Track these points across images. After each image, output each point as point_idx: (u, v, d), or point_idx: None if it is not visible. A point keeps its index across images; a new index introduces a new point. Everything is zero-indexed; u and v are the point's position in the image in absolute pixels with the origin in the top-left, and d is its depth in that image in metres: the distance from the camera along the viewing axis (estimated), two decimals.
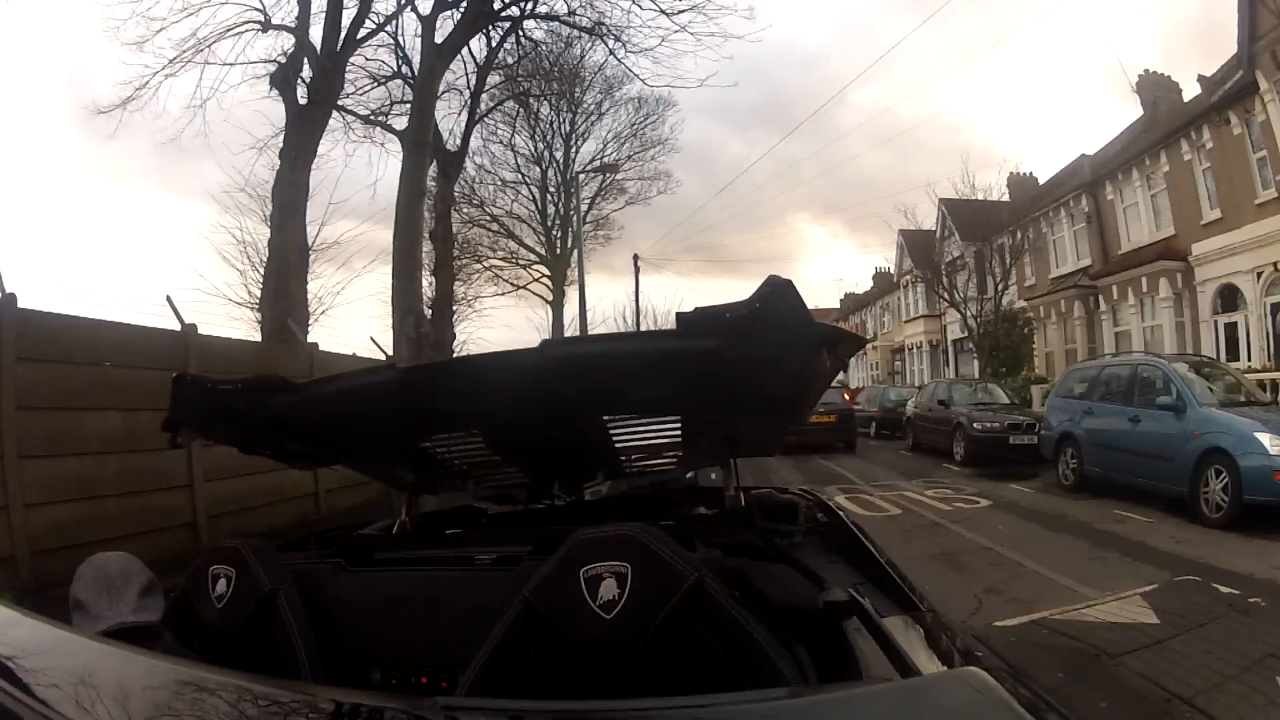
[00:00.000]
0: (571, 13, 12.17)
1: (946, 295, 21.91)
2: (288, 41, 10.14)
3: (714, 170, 57.88)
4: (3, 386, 4.56)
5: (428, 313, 11.40)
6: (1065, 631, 3.99)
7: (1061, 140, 72.37)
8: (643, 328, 23.53)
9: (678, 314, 1.19)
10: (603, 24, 12.21)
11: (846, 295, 40.43)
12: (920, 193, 41.10)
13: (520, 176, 23.89)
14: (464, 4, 10.90)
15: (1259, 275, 13.51)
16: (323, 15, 9.75)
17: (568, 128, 23.10)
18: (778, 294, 1.13)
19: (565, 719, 0.78)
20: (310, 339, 9.22)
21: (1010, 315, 20.36)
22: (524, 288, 24.95)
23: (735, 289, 61.31)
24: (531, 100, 17.66)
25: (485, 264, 23.89)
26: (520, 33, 12.83)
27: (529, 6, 12.19)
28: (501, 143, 21.57)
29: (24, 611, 0.94)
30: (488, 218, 23.56)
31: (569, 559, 1.03)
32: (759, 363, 1.27)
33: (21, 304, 4.77)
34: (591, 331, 18.21)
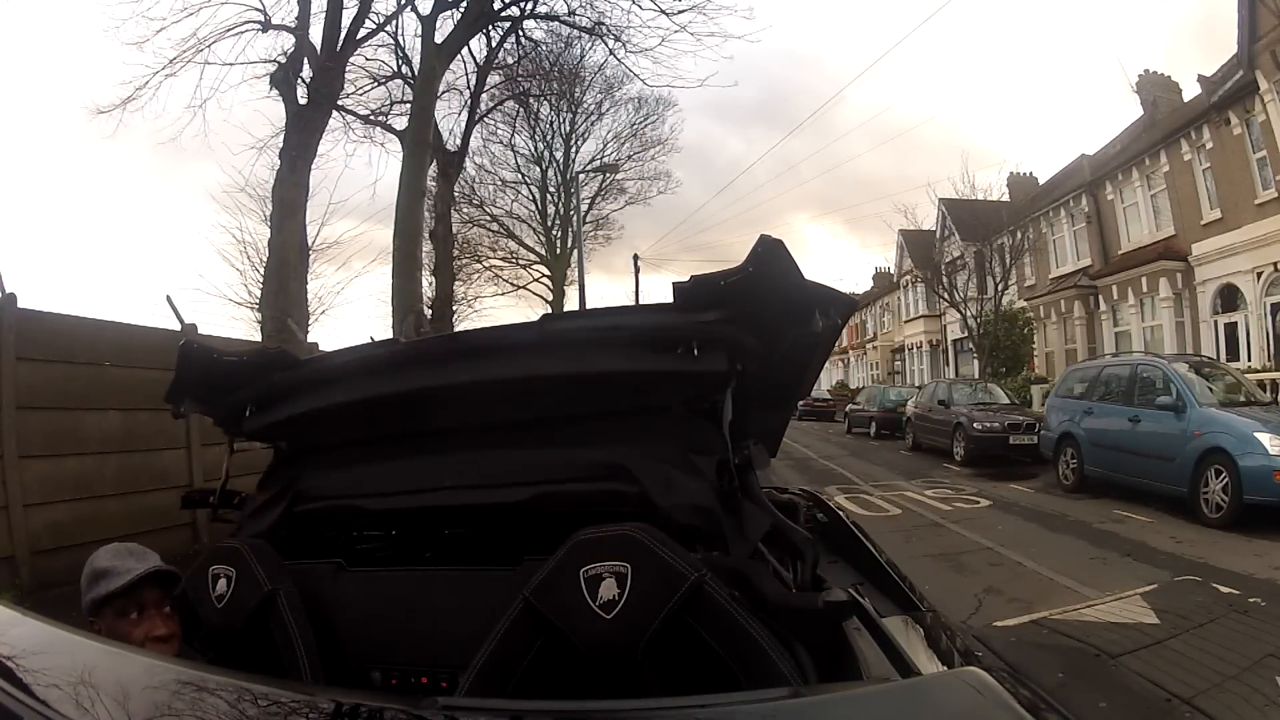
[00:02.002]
0: (571, 13, 12.16)
1: (946, 295, 21.91)
2: (288, 41, 10.12)
3: (714, 170, 58.03)
4: (3, 386, 4.56)
5: (428, 313, 11.39)
6: (1065, 631, 3.99)
7: (1061, 140, 72.53)
8: None
9: (674, 284, 1.20)
10: (603, 24, 12.21)
11: None
12: (920, 193, 41.23)
13: (520, 176, 23.94)
14: (464, 4, 10.89)
15: (1259, 275, 13.51)
16: (323, 15, 9.73)
17: (568, 128, 23.14)
18: (770, 254, 1.15)
19: (565, 719, 0.78)
20: (310, 339, 9.22)
21: (1010, 315, 20.37)
22: (524, 288, 24.99)
23: None
24: (531, 100, 17.66)
25: (485, 264, 23.94)
26: (520, 33, 12.82)
27: (529, 6, 12.19)
28: (501, 143, 21.63)
29: (24, 611, 0.94)
30: (488, 218, 23.60)
31: (569, 559, 1.03)
32: (758, 334, 1.27)
33: (21, 304, 4.77)
34: None
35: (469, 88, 13.45)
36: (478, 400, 1.47)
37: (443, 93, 12.00)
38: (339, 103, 10.81)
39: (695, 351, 1.31)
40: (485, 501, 1.49)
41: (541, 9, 12.24)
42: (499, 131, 20.28)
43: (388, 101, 12.94)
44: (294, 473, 1.68)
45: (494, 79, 14.26)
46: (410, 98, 11.56)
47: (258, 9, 10.25)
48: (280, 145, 9.50)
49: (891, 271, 32.28)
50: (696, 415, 1.40)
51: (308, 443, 1.73)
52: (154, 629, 1.32)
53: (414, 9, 11.12)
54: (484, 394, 1.45)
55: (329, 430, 1.65)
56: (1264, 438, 6.41)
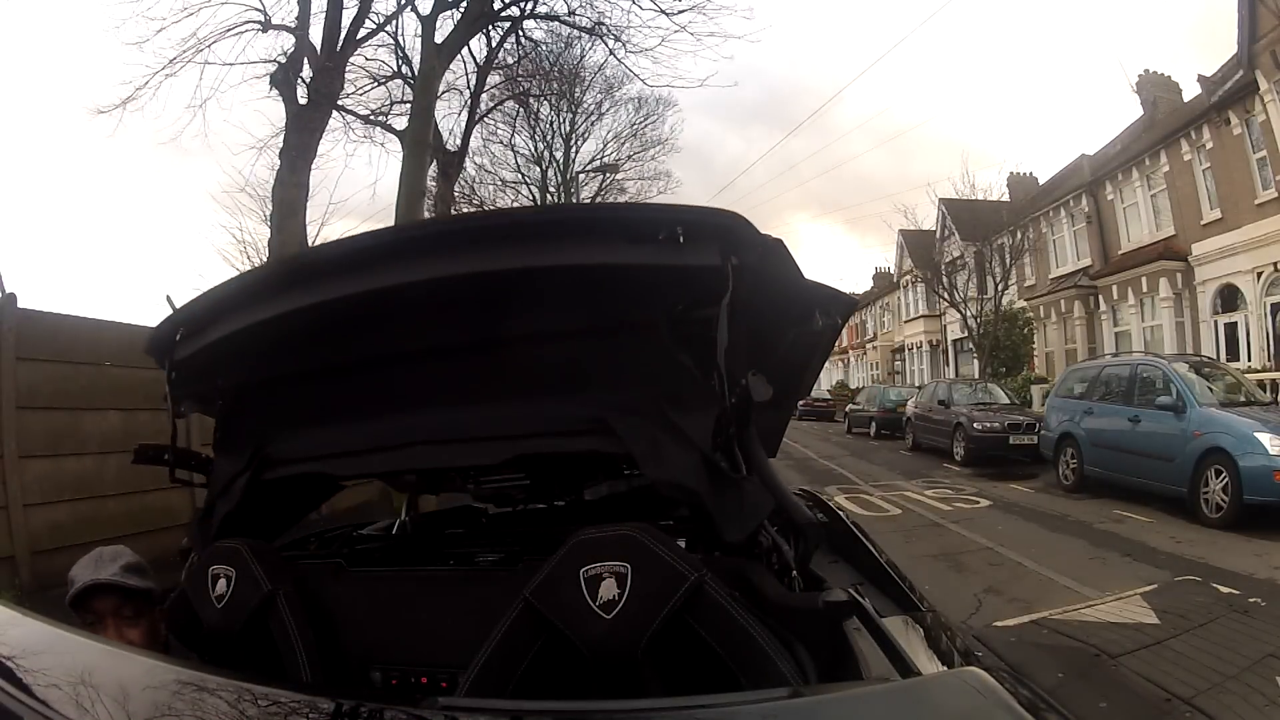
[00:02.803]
0: (571, 13, 12.16)
1: (946, 295, 21.91)
2: (288, 41, 10.11)
3: (714, 170, 58.12)
4: (3, 386, 4.56)
5: None
6: (1065, 631, 3.99)
7: (1061, 140, 72.58)
8: None
9: None
10: (603, 24, 12.20)
11: None
12: (920, 193, 41.27)
13: (520, 176, 23.86)
14: (464, 4, 10.89)
15: (1259, 275, 13.51)
16: (323, 15, 9.72)
17: (568, 128, 23.08)
18: (770, 253, 1.12)
19: (565, 719, 0.78)
20: None
21: (1010, 315, 20.38)
22: None
23: None
24: (531, 100, 17.63)
25: None
26: (520, 33, 12.82)
27: (529, 6, 12.18)
28: (501, 143, 21.56)
29: (24, 611, 0.94)
30: None
31: (569, 559, 1.03)
32: (757, 333, 1.22)
33: (21, 304, 4.78)
34: None
35: (469, 88, 13.45)
36: (430, 307, 1.24)
37: (443, 93, 12.00)
38: (339, 103, 10.80)
39: (680, 238, 1.09)
40: (462, 463, 1.42)
41: (541, 9, 12.24)
42: (499, 131, 20.22)
43: (388, 101, 12.94)
44: (251, 431, 1.53)
45: (494, 79, 14.26)
46: (410, 98, 11.55)
47: (258, 9, 10.25)
48: (280, 145, 9.50)
49: (891, 271, 32.27)
50: (685, 342, 1.18)
51: (248, 375, 1.51)
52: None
53: (414, 9, 11.12)
54: (437, 297, 1.21)
55: (268, 357, 1.42)
56: (1264, 438, 6.41)
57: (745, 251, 1.10)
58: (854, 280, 42.80)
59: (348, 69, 10.36)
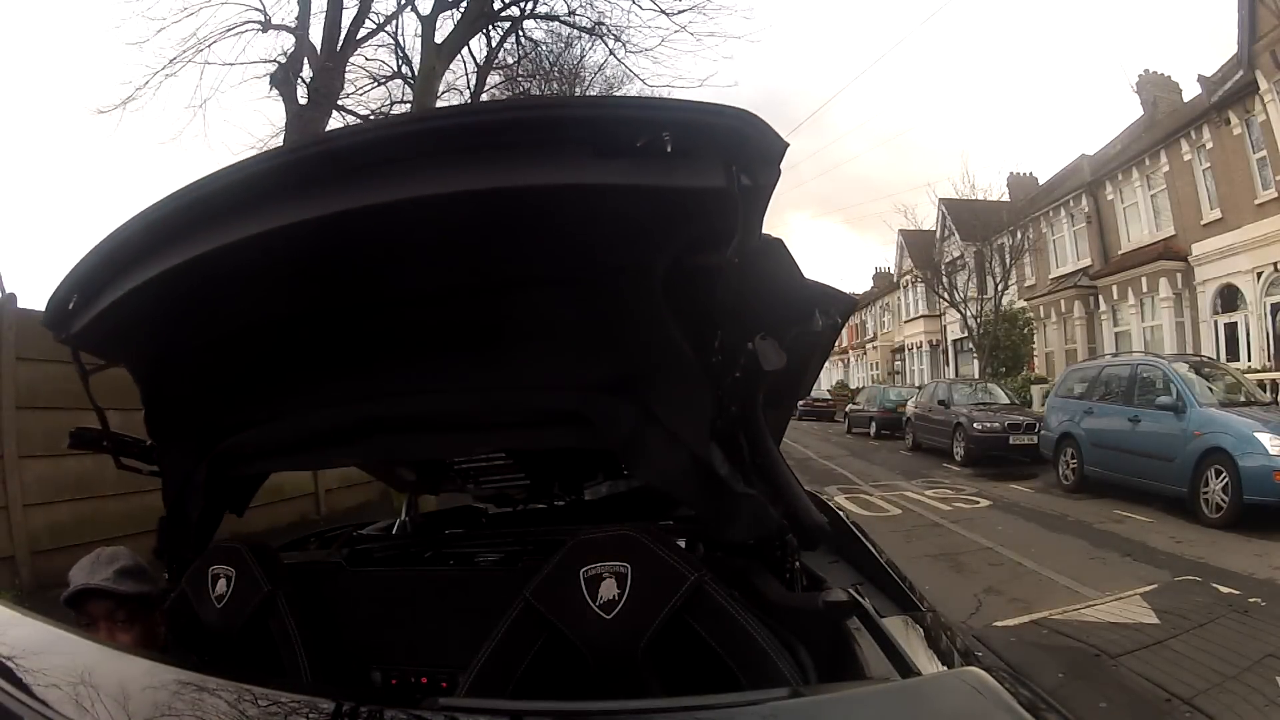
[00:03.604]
0: (571, 13, 12.19)
1: (946, 295, 21.92)
2: (288, 41, 10.14)
3: None
4: (3, 386, 4.57)
5: None
6: (1065, 631, 3.99)
7: (1061, 140, 72.57)
8: None
9: None
10: (603, 24, 12.24)
11: None
12: (920, 193, 41.29)
13: None
14: (464, 4, 10.90)
15: (1259, 275, 13.51)
16: (323, 15, 9.75)
17: None
18: (769, 253, 1.08)
19: (565, 719, 0.78)
20: None
21: (1010, 315, 20.38)
22: None
23: None
24: None
25: None
26: (520, 33, 12.85)
27: (529, 6, 12.21)
28: None
29: (24, 611, 0.94)
30: None
31: (569, 559, 1.03)
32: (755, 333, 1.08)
33: (21, 304, 4.78)
34: None
35: (469, 88, 13.45)
36: (349, 252, 0.96)
37: (443, 93, 12.00)
38: (339, 103, 10.81)
39: (667, 148, 0.77)
40: (427, 455, 1.39)
41: (541, 9, 12.27)
42: None
43: (388, 101, 12.95)
44: (188, 416, 1.39)
45: (494, 79, 14.29)
46: (410, 98, 11.56)
47: (258, 9, 10.26)
48: (280, 145, 9.50)
49: (891, 271, 32.26)
50: (675, 301, 0.94)
51: (159, 346, 1.30)
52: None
53: (414, 9, 11.14)
54: (353, 237, 0.92)
55: (177, 321, 1.18)
56: (1264, 438, 6.40)
57: (760, 168, 0.81)
58: (854, 280, 42.78)
59: (348, 69, 10.38)
